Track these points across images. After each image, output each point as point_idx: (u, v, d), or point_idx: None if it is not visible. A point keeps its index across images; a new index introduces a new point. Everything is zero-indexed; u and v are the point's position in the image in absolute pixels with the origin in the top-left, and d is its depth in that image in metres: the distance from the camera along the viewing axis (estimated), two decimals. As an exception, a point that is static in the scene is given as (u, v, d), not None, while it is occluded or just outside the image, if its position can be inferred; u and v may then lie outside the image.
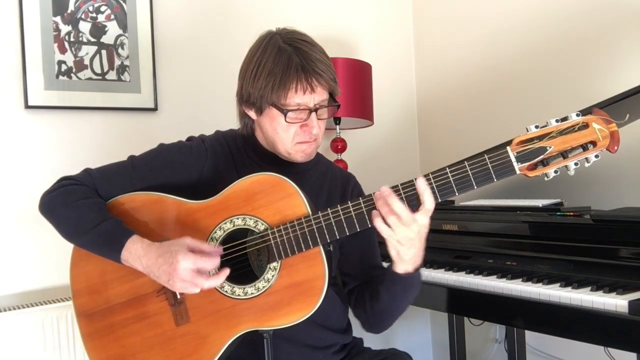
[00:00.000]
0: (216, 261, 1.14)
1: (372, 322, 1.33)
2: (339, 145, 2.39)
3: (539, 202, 1.70)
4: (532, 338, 2.23)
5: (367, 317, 1.33)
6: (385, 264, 1.38)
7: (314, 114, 1.23)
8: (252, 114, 1.30)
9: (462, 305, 1.61)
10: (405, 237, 1.10)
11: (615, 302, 1.20)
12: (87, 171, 1.30)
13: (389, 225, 1.09)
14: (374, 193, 1.13)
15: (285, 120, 1.22)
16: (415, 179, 1.09)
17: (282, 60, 1.20)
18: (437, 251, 1.78)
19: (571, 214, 1.55)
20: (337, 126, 2.37)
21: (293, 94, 1.20)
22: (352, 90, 2.27)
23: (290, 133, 1.25)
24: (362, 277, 1.37)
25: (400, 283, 1.21)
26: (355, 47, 2.63)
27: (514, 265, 1.56)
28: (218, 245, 1.20)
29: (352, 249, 1.37)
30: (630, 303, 1.17)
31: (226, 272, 1.15)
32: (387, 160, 2.72)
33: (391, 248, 1.14)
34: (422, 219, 1.09)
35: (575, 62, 2.10)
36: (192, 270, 1.11)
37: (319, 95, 1.23)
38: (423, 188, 1.07)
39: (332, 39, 2.53)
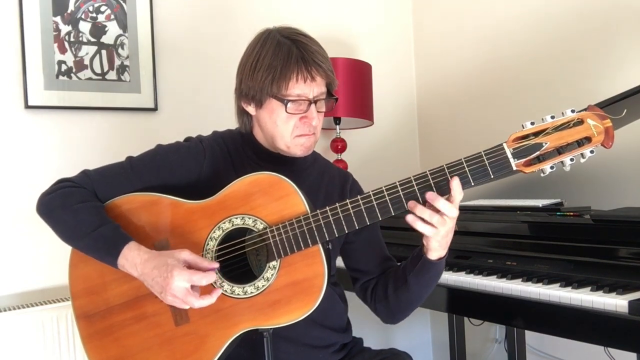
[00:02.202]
0: (211, 278, 1.13)
1: (397, 311, 1.34)
2: (339, 145, 2.39)
3: (539, 202, 1.70)
4: (532, 338, 2.23)
5: (390, 308, 1.34)
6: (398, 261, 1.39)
7: (313, 105, 1.25)
8: (251, 109, 1.30)
9: (462, 305, 1.60)
10: (448, 229, 1.14)
11: (615, 302, 1.19)
12: (85, 173, 1.30)
13: (432, 225, 1.11)
14: (371, 191, 1.13)
15: (286, 111, 1.23)
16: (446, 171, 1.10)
17: (282, 52, 1.22)
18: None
19: (571, 214, 1.55)
20: (337, 126, 2.37)
21: (294, 84, 1.21)
22: (352, 90, 2.27)
23: (289, 126, 1.25)
24: (377, 271, 1.38)
25: (433, 270, 1.24)
26: (355, 47, 2.63)
27: (514, 265, 1.56)
28: (217, 245, 1.20)
29: (363, 244, 1.38)
30: (630, 303, 1.17)
31: (218, 292, 1.15)
32: (387, 160, 2.72)
33: (433, 242, 1.17)
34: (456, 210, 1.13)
35: (575, 62, 2.10)
36: (186, 288, 1.11)
37: (318, 87, 1.25)
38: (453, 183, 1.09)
39: (332, 39, 2.53)
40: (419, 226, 1.12)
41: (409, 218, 1.12)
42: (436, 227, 1.12)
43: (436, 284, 1.30)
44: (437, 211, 1.10)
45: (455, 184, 1.08)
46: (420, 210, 1.11)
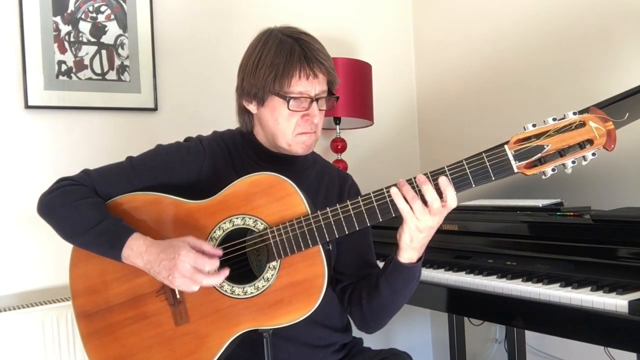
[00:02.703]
0: (216, 263, 1.14)
1: (369, 318, 1.32)
2: (339, 145, 2.39)
3: (539, 202, 1.70)
4: (532, 338, 2.23)
5: (363, 314, 1.31)
6: (380, 263, 1.38)
7: (315, 103, 1.25)
8: (252, 107, 1.30)
9: (462, 305, 1.60)
10: (426, 226, 1.11)
11: (615, 302, 1.19)
12: (85, 172, 1.30)
13: (411, 210, 1.09)
14: (372, 192, 1.13)
15: (288, 108, 1.24)
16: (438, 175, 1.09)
17: (284, 50, 1.22)
18: (437, 251, 1.77)
19: (571, 214, 1.55)
20: (337, 126, 2.37)
21: (296, 81, 1.22)
22: (352, 90, 2.27)
23: (291, 123, 1.26)
24: (357, 275, 1.37)
25: (404, 273, 1.21)
26: (355, 47, 2.63)
27: (514, 265, 1.56)
28: (217, 245, 1.20)
29: (348, 247, 1.37)
30: (630, 303, 1.17)
31: (226, 272, 1.15)
32: (387, 160, 2.72)
33: (406, 233, 1.14)
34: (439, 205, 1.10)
35: (575, 61, 2.10)
36: (192, 267, 1.12)
37: (320, 85, 1.26)
38: (445, 184, 1.08)
39: (332, 39, 2.53)
40: (400, 202, 1.09)
41: (393, 190, 1.10)
42: (414, 211, 1.09)
43: (410, 293, 1.26)
44: (424, 201, 1.08)
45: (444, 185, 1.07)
46: (407, 189, 1.09)
